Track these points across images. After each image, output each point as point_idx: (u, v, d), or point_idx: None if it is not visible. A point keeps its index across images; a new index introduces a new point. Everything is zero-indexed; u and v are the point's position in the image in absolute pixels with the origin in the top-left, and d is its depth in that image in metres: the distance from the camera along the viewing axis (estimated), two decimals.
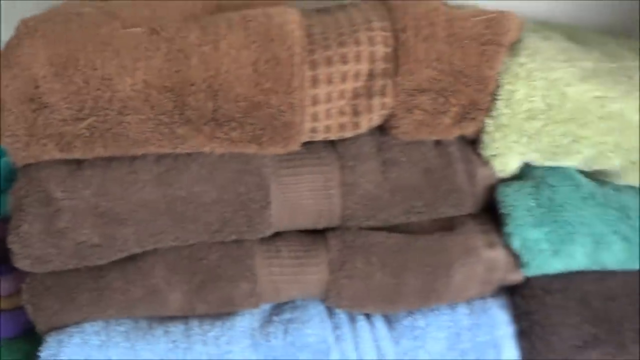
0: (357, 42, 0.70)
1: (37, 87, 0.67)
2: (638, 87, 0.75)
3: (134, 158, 0.73)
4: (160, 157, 0.73)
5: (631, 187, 0.80)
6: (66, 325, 0.76)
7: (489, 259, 0.77)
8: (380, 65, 0.71)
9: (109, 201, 0.71)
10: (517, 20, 0.74)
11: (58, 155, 0.71)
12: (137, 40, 0.68)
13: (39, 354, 0.74)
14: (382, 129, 0.75)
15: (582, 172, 0.80)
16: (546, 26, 0.86)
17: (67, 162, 0.72)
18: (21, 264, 0.72)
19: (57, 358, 0.74)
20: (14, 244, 0.71)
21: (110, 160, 0.72)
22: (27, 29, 0.69)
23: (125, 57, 0.68)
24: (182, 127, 0.69)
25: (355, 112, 0.72)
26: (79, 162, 0.72)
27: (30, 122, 0.68)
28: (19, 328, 0.82)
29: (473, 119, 0.74)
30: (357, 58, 0.70)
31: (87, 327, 0.76)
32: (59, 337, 0.75)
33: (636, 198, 0.79)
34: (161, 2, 0.74)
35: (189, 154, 0.73)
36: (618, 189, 0.79)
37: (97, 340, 0.75)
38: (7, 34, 0.98)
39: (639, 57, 0.81)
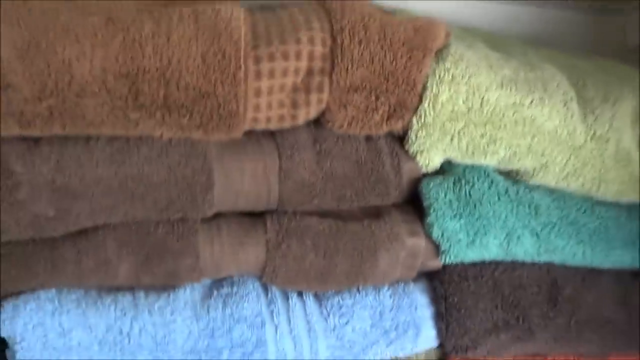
0: (298, 41, 0.73)
1: (0, 67, 0.68)
2: (551, 97, 0.80)
3: (89, 138, 0.74)
4: (113, 138, 0.75)
5: (542, 187, 0.84)
6: (22, 292, 0.78)
7: (411, 246, 0.81)
8: (318, 64, 0.74)
9: (65, 177, 0.73)
10: (444, 28, 0.78)
11: (18, 131, 0.72)
12: (95, 28, 0.70)
13: None
14: (318, 122, 0.78)
15: (498, 170, 0.84)
16: (472, 33, 0.91)
17: (26, 138, 0.73)
18: None
19: (13, 321, 0.75)
20: None
21: (67, 139, 0.74)
22: None
23: (85, 44, 0.69)
24: (135, 111, 0.72)
25: (294, 105, 0.75)
26: (37, 139, 0.74)
27: None
28: None
29: (401, 117, 0.77)
30: (298, 56, 0.73)
31: (42, 294, 0.77)
32: (15, 302, 0.77)
33: (546, 197, 0.84)
34: None
35: (140, 137, 0.75)
36: (530, 187, 0.84)
37: (50, 307, 0.76)
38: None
39: (555, 67, 0.85)
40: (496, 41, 0.91)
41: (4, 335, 0.77)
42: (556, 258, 0.85)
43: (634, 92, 0.87)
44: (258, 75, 0.73)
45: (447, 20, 0.99)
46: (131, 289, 0.80)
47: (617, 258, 0.86)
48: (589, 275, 0.87)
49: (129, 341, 0.77)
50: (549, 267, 0.86)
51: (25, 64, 0.69)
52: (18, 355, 0.76)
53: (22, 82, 0.70)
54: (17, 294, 0.78)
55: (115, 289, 0.80)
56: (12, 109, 0.70)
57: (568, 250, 0.84)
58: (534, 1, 1.13)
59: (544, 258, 0.85)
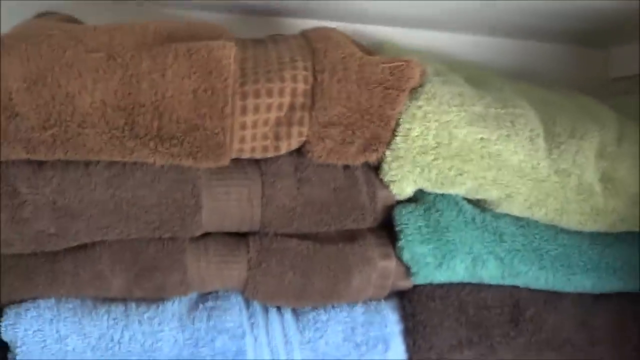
0: (282, 79, 0.78)
1: (10, 98, 0.74)
2: (517, 133, 0.84)
3: (88, 163, 0.79)
4: (111, 164, 0.79)
5: (507, 215, 0.89)
6: (23, 301, 0.82)
7: (383, 268, 0.85)
8: (299, 100, 0.79)
9: (66, 198, 0.78)
10: (419, 69, 0.82)
11: (24, 156, 0.77)
12: (96, 64, 0.75)
13: (0, 322, 0.80)
14: (299, 152, 0.83)
15: (467, 199, 0.88)
16: (454, 67, 0.95)
17: (31, 162, 0.78)
18: None
19: (15, 327, 0.79)
20: None
21: (68, 163, 0.79)
22: (4, 47, 0.75)
23: (87, 78, 0.74)
24: (131, 140, 0.76)
25: (277, 137, 0.80)
26: (41, 163, 0.78)
27: (3, 127, 0.75)
28: None
29: (375, 150, 0.82)
30: (281, 92, 0.78)
31: (42, 303, 0.81)
32: (17, 310, 0.81)
33: (511, 225, 0.89)
34: (118, 30, 0.80)
35: (135, 163, 0.79)
36: (496, 216, 0.88)
37: (49, 315, 0.81)
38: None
39: (528, 103, 0.90)
40: (476, 76, 0.96)
41: (6, 339, 0.81)
42: (519, 282, 0.89)
43: (601, 129, 0.91)
44: (244, 110, 0.78)
45: (435, 52, 1.06)
46: (123, 300, 0.84)
47: (578, 283, 0.89)
48: (551, 298, 0.90)
49: (120, 348, 0.81)
50: (512, 289, 0.89)
51: (32, 96, 0.74)
52: (18, 358, 0.80)
53: (30, 112, 0.75)
54: (19, 302, 0.82)
55: (109, 300, 0.84)
56: (20, 136, 0.75)
57: (531, 275, 0.88)
58: (520, 35, 1.18)
59: (508, 281, 0.88)
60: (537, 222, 0.90)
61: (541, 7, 1.00)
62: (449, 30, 1.16)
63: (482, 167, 0.84)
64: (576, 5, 0.98)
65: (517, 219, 0.89)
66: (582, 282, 0.90)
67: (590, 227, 0.90)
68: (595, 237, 0.92)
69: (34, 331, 0.80)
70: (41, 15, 0.91)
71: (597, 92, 1.12)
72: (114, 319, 0.82)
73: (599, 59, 1.27)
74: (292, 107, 0.80)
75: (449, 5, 1.02)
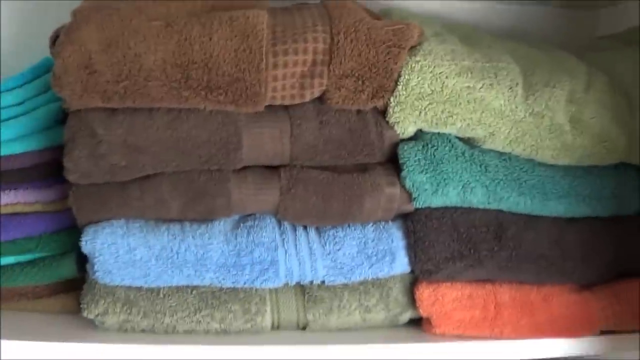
0: (305, 40, 0.89)
1: (90, 58, 0.85)
2: (499, 82, 0.97)
3: (152, 109, 0.90)
4: (170, 110, 0.90)
5: (491, 150, 1.00)
6: (99, 221, 0.93)
7: (390, 193, 0.95)
8: (320, 57, 0.90)
9: (134, 137, 0.88)
10: (418, 30, 0.95)
11: (101, 104, 0.88)
12: (157, 30, 0.86)
13: (81, 238, 0.92)
14: (320, 99, 0.93)
15: (458, 137, 1.00)
16: (449, 29, 1.07)
17: (106, 109, 0.89)
18: (72, 177, 0.90)
19: (93, 241, 0.92)
20: (68, 163, 0.89)
21: (136, 110, 0.89)
22: (82, 17, 0.87)
23: (150, 42, 0.86)
24: (186, 91, 0.87)
25: (302, 87, 0.91)
26: (114, 110, 0.89)
27: (84, 81, 0.86)
28: (60, 225, 1.00)
29: (381, 97, 0.93)
30: (305, 51, 0.89)
31: (114, 222, 0.93)
32: (94, 228, 0.93)
33: (495, 158, 1.01)
34: (173, 2, 0.92)
35: (189, 109, 0.90)
36: (482, 150, 1.00)
37: (121, 231, 0.92)
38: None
39: (512, 58, 1.02)
40: (470, 36, 1.07)
41: (85, 251, 0.93)
42: (503, 206, 0.99)
43: (571, 79, 1.02)
44: (275, 65, 0.89)
45: (436, 17, 1.17)
46: (180, 220, 0.95)
47: (552, 208, 1.00)
48: (529, 220, 1.00)
49: (178, 257, 0.93)
50: (496, 212, 1.00)
51: (107, 56, 0.86)
52: (96, 267, 0.92)
53: (105, 69, 0.86)
54: (96, 222, 0.94)
55: (168, 220, 0.95)
56: (97, 88, 0.87)
57: (512, 200, 0.99)
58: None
59: (492, 206, 0.99)
60: (517, 156, 1.00)
61: None
62: None
63: (469, 110, 0.95)
64: None
65: (500, 153, 1.00)
66: (555, 207, 1.01)
67: (562, 160, 1.00)
68: (566, 170, 1.02)
69: (109, 244, 0.92)
70: None
71: (585, 50, 1.23)
72: (173, 234, 0.93)
73: (585, 19, 1.36)
74: (314, 63, 0.90)
75: None
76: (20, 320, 0.99)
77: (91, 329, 0.96)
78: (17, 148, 0.96)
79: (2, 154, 0.94)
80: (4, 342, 0.90)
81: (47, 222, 0.99)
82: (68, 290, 1.03)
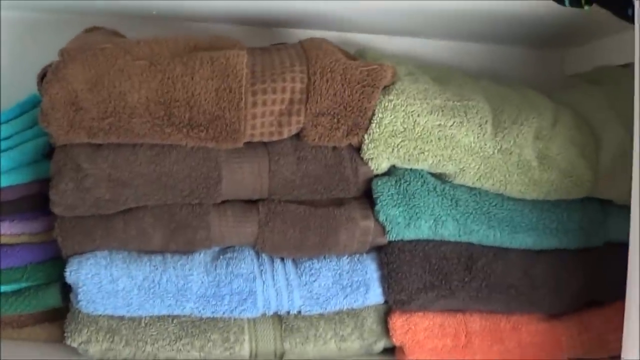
0: (284, 80, 0.92)
1: (77, 96, 0.87)
2: (469, 120, 1.00)
3: (135, 145, 0.91)
4: (153, 145, 0.91)
5: (462, 185, 1.03)
6: (84, 252, 0.94)
7: (364, 226, 0.98)
8: (297, 96, 0.92)
9: (118, 172, 0.90)
10: (391, 70, 0.98)
11: (86, 140, 0.90)
12: (141, 70, 0.89)
13: (66, 269, 0.93)
14: (297, 136, 0.95)
15: (430, 173, 1.03)
16: (422, 69, 1.10)
17: (91, 144, 0.90)
18: (57, 210, 0.92)
19: (77, 272, 0.93)
20: (54, 196, 0.90)
21: (120, 145, 0.91)
22: (69, 56, 0.89)
23: (134, 80, 0.88)
24: (169, 127, 0.90)
25: (280, 125, 0.93)
26: (99, 145, 0.91)
27: (70, 118, 0.88)
28: (45, 256, 1.00)
29: (356, 134, 0.95)
30: (283, 90, 0.91)
31: (98, 253, 0.94)
32: (79, 259, 0.94)
33: (465, 193, 1.03)
34: (156, 43, 0.94)
35: (171, 145, 0.92)
36: (453, 186, 1.02)
37: (104, 262, 0.93)
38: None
39: (482, 96, 1.05)
40: (443, 75, 1.11)
41: (70, 282, 0.94)
42: (473, 239, 1.01)
43: (539, 116, 1.06)
44: (255, 104, 0.91)
45: (410, 56, 1.20)
46: (161, 252, 0.96)
47: (521, 240, 1.03)
48: (499, 251, 1.03)
49: (159, 287, 0.94)
50: (467, 245, 1.02)
51: (93, 94, 0.88)
52: (79, 297, 0.93)
53: (91, 106, 0.88)
54: (81, 253, 0.95)
55: (150, 252, 0.96)
56: (83, 124, 0.89)
57: (482, 233, 1.01)
58: (484, 39, 1.32)
59: (463, 238, 1.01)
60: (486, 190, 1.02)
61: (500, 14, 1.12)
62: (423, 37, 1.30)
63: (440, 147, 0.97)
64: (533, 11, 1.09)
65: (470, 188, 1.02)
66: (524, 240, 1.04)
67: (530, 195, 1.03)
68: (535, 204, 1.04)
69: (92, 275, 0.93)
70: (89, 30, 1.06)
71: (554, 89, 1.27)
72: (154, 265, 0.95)
73: (554, 59, 1.39)
74: (291, 102, 0.92)
75: (423, 16, 1.16)
76: (5, 349, 0.99)
77: (75, 357, 0.97)
78: (4, 181, 0.97)
79: None
80: None
81: (33, 253, 1.00)
82: (53, 319, 1.04)
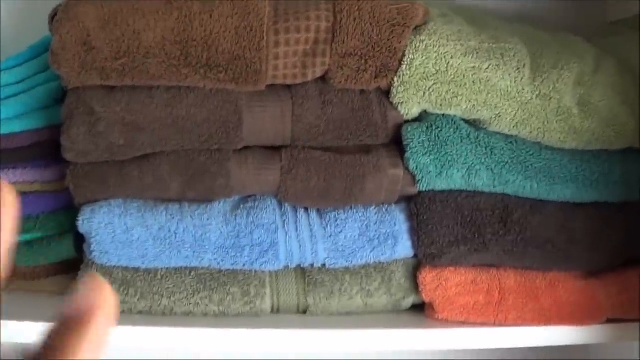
0: (308, 18, 0.88)
1: (88, 35, 0.85)
2: (505, 63, 0.96)
3: (151, 87, 0.89)
4: (169, 88, 0.89)
5: (497, 133, 0.99)
6: (97, 200, 0.93)
7: (393, 175, 0.94)
8: (322, 35, 0.89)
9: (132, 115, 0.88)
10: (423, 9, 0.94)
11: (99, 82, 0.88)
12: (157, 7, 0.86)
13: (78, 217, 0.92)
14: (323, 79, 0.92)
15: (463, 119, 0.99)
16: (457, 11, 1.06)
17: (105, 87, 0.89)
18: (69, 155, 0.90)
19: (90, 221, 0.92)
20: (65, 141, 0.89)
21: (134, 87, 0.89)
22: None
23: (149, 19, 0.86)
24: (185, 68, 0.87)
25: (304, 66, 0.90)
26: (112, 88, 0.89)
27: (82, 58, 0.86)
28: (58, 205, 1.00)
29: (385, 76, 0.92)
30: (307, 29, 0.88)
31: (112, 202, 0.93)
32: (92, 207, 0.92)
33: (501, 141, 0.99)
34: None
35: (188, 87, 0.89)
36: (488, 133, 0.99)
37: (118, 211, 0.92)
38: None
39: (520, 40, 1.00)
40: (478, 18, 1.07)
41: (82, 231, 0.93)
42: (508, 190, 0.98)
43: (580, 61, 1.01)
44: (277, 43, 0.88)
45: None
46: (179, 200, 0.94)
47: (559, 192, 0.99)
48: (536, 204, 0.99)
49: (175, 237, 0.92)
50: (502, 196, 0.98)
51: (106, 33, 0.86)
52: (93, 247, 0.93)
53: (104, 46, 0.86)
54: (94, 201, 0.94)
55: (167, 200, 0.94)
56: (96, 65, 0.87)
57: (518, 184, 0.97)
58: None
59: (498, 189, 0.97)
60: (523, 139, 0.99)
61: None
62: None
63: (474, 91, 0.94)
64: None
65: (506, 136, 0.98)
66: (562, 192, 1.00)
67: (570, 144, 0.99)
68: (574, 154, 1.00)
69: (106, 224, 0.92)
70: None
71: (595, 36, 1.21)
72: (171, 214, 0.93)
73: (596, 4, 1.34)
74: (316, 41, 0.90)
75: None
76: (19, 301, 0.99)
77: None
78: (16, 127, 0.96)
79: (1, 132, 0.94)
80: (2, 322, 0.90)
81: (45, 202, 0.99)
82: (66, 271, 1.04)
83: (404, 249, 0.98)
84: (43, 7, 0.97)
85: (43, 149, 0.99)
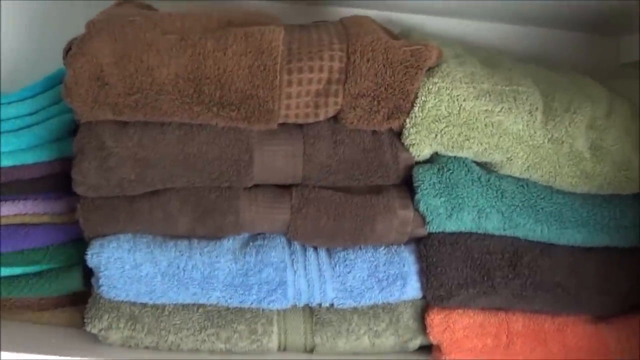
0: (321, 58, 0.88)
1: (102, 70, 0.85)
2: (518, 107, 0.95)
3: (163, 123, 0.89)
4: (181, 125, 0.89)
5: (509, 176, 0.99)
6: (106, 235, 0.93)
7: (403, 216, 0.94)
8: (335, 75, 0.89)
9: (144, 151, 0.88)
10: (436, 51, 0.94)
11: (111, 117, 0.88)
12: (171, 44, 0.86)
13: (87, 251, 0.91)
14: (335, 119, 0.92)
15: (475, 162, 0.98)
16: (470, 51, 1.06)
17: (117, 122, 0.89)
18: (80, 189, 0.90)
19: (99, 255, 0.91)
20: (76, 175, 0.89)
21: (147, 123, 0.89)
22: (96, 29, 0.87)
23: (163, 55, 0.86)
24: (198, 106, 0.87)
25: (316, 106, 0.90)
26: (125, 123, 0.89)
27: (95, 93, 0.86)
28: (68, 238, 1.00)
29: (397, 118, 0.92)
30: (321, 69, 0.88)
31: (121, 236, 0.92)
32: (101, 242, 0.92)
33: (512, 184, 0.99)
34: (188, 17, 0.91)
35: (200, 124, 0.89)
36: (499, 176, 0.98)
37: (127, 246, 0.91)
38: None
39: (532, 82, 1.00)
40: (491, 58, 1.07)
41: (91, 265, 0.93)
42: (519, 233, 0.97)
43: (593, 104, 1.01)
44: (290, 83, 0.88)
45: (458, 38, 1.17)
46: (188, 237, 0.94)
47: (570, 236, 0.98)
48: (546, 247, 0.99)
49: (184, 274, 0.92)
50: (512, 239, 0.98)
51: (119, 69, 0.86)
52: (101, 282, 0.92)
53: (117, 82, 0.86)
54: (104, 235, 0.93)
55: (176, 237, 0.94)
56: (108, 100, 0.87)
57: (528, 228, 0.97)
58: (537, 23, 1.27)
59: (508, 232, 0.97)
60: (534, 182, 0.98)
61: None
62: (472, 18, 1.26)
63: (486, 134, 0.93)
64: None
65: (517, 179, 0.98)
66: (573, 236, 0.99)
67: (581, 188, 0.98)
68: (586, 198, 1.00)
69: (115, 259, 0.92)
70: (120, 4, 1.03)
71: (608, 77, 1.22)
72: (180, 251, 0.93)
73: (610, 46, 1.34)
74: (329, 81, 0.89)
75: None
76: (24, 332, 0.99)
77: (95, 344, 0.95)
78: (28, 158, 0.97)
79: (13, 163, 0.95)
80: (4, 354, 0.90)
81: (55, 234, 1.00)
82: (74, 304, 1.03)
83: (413, 290, 0.98)
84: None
85: (54, 181, 0.99)
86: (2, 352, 0.89)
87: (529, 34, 1.30)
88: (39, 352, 0.91)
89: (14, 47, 1.17)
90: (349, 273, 0.96)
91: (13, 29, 1.16)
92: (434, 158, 0.98)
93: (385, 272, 0.97)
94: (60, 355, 0.91)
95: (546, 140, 0.97)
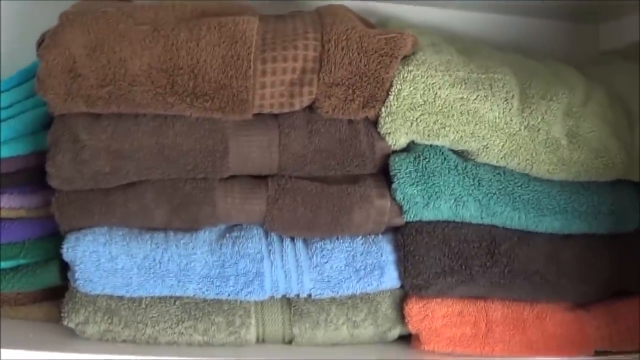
0: (295, 47, 0.88)
1: (75, 62, 0.85)
2: (494, 94, 0.96)
3: (137, 115, 0.89)
4: (155, 116, 0.89)
5: (485, 164, 0.99)
6: (82, 228, 0.92)
7: (380, 206, 0.94)
8: (310, 64, 0.89)
9: (118, 143, 0.88)
10: (411, 39, 0.94)
11: (85, 109, 0.88)
12: (144, 35, 0.86)
13: (62, 245, 0.91)
14: (310, 108, 0.92)
15: (451, 150, 0.98)
16: (447, 40, 1.05)
17: (91, 114, 0.88)
18: (54, 182, 0.89)
19: (75, 249, 0.90)
20: (50, 168, 0.88)
21: (120, 115, 0.89)
22: (68, 20, 0.87)
23: (136, 46, 0.85)
24: (172, 97, 0.87)
25: (291, 95, 0.90)
26: (98, 115, 0.88)
27: (68, 86, 0.86)
28: (44, 232, 0.99)
29: (372, 106, 0.92)
30: (295, 58, 0.88)
31: (97, 230, 0.92)
32: (76, 235, 0.91)
33: (489, 172, 0.99)
34: (162, 8, 0.91)
35: (174, 115, 0.89)
36: (476, 164, 0.98)
37: (103, 239, 0.91)
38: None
39: (510, 70, 1.00)
40: (469, 47, 1.07)
41: (67, 259, 0.92)
42: (496, 221, 0.97)
43: (569, 92, 1.01)
44: (264, 73, 0.88)
45: (435, 27, 1.17)
46: (164, 229, 0.94)
47: (548, 224, 0.99)
48: (524, 235, 0.99)
49: (160, 267, 0.91)
50: (490, 227, 0.98)
51: (92, 60, 0.86)
52: (77, 275, 0.91)
53: (89, 73, 0.86)
54: (79, 229, 0.93)
55: (152, 229, 0.94)
56: (81, 92, 0.87)
57: (505, 215, 0.97)
58: (517, 12, 1.27)
59: (485, 220, 0.97)
60: (511, 170, 0.99)
61: None
62: (452, 8, 1.26)
63: (462, 122, 0.94)
64: None
65: (494, 167, 0.98)
66: (551, 223, 0.99)
67: (558, 176, 0.99)
68: (563, 185, 1.00)
69: (90, 252, 0.91)
70: None
71: (587, 64, 1.22)
72: (156, 243, 0.93)
73: (589, 33, 1.34)
74: (303, 71, 0.89)
75: None
76: (1, 327, 0.98)
77: (72, 338, 0.95)
78: (3, 152, 0.95)
79: None
80: None
81: (31, 228, 0.99)
82: (51, 298, 1.02)
83: (391, 279, 0.98)
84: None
85: (29, 175, 0.98)
86: None
87: (509, 22, 1.30)
88: (16, 347, 0.90)
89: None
90: (326, 263, 0.96)
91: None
92: (411, 147, 0.98)
93: (362, 261, 0.96)
94: (38, 349, 0.91)
95: (522, 128, 0.97)
